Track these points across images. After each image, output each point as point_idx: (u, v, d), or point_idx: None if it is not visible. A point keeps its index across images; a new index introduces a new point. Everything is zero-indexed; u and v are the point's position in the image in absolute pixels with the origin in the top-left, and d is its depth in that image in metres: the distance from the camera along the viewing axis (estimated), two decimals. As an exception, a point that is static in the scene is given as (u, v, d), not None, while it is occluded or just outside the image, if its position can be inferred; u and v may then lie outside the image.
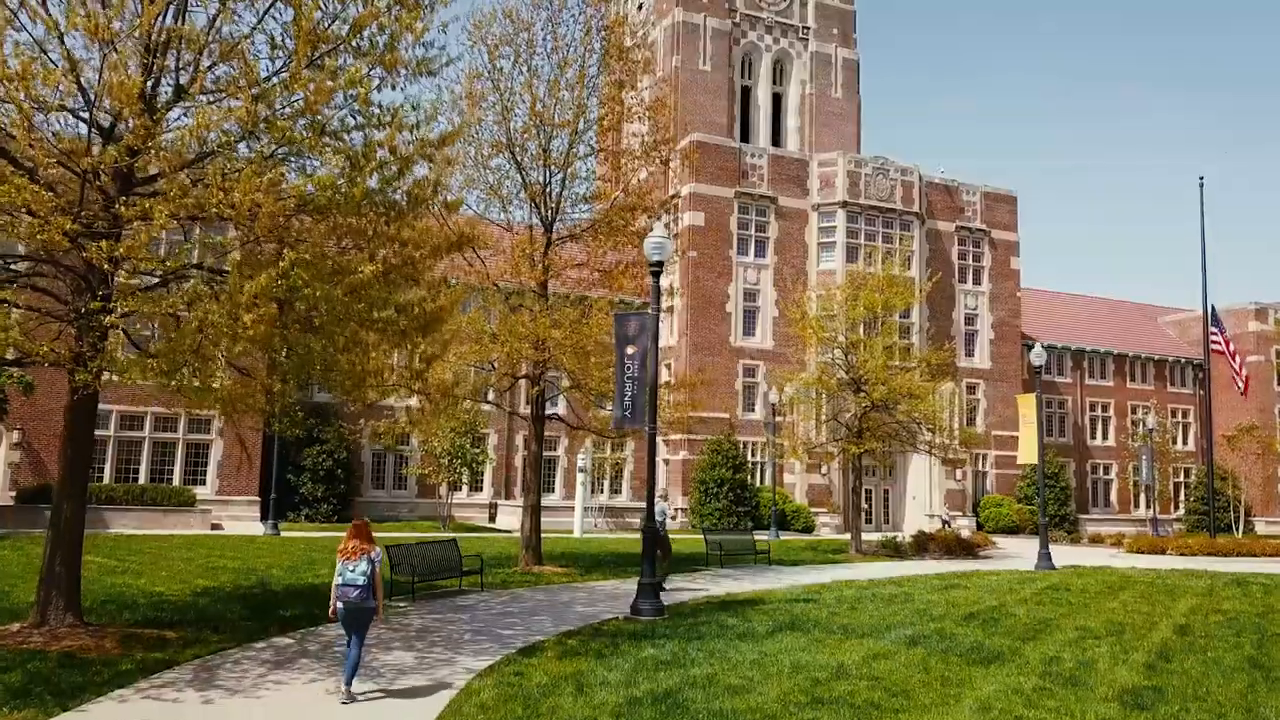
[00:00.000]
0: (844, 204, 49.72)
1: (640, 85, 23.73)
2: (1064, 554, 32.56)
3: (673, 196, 47.51)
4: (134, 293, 10.95)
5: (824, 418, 32.72)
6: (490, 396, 26.47)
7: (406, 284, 13.45)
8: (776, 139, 60.57)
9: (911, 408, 30.15)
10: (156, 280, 11.88)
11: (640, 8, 61.66)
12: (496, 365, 21.84)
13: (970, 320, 54.35)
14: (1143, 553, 33.03)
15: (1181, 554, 32.17)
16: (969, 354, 53.88)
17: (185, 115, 12.32)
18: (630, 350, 16.47)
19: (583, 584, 20.19)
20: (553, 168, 22.69)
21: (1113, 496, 60.70)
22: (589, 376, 21.20)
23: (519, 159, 22.77)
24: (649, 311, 16.64)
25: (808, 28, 60.56)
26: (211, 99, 12.10)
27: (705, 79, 57.30)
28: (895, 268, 46.17)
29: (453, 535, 21.38)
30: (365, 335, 12.94)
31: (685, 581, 21.15)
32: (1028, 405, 28.86)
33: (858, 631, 14.45)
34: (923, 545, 32.02)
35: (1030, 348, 57.06)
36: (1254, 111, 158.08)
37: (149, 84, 11.32)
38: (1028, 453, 28.90)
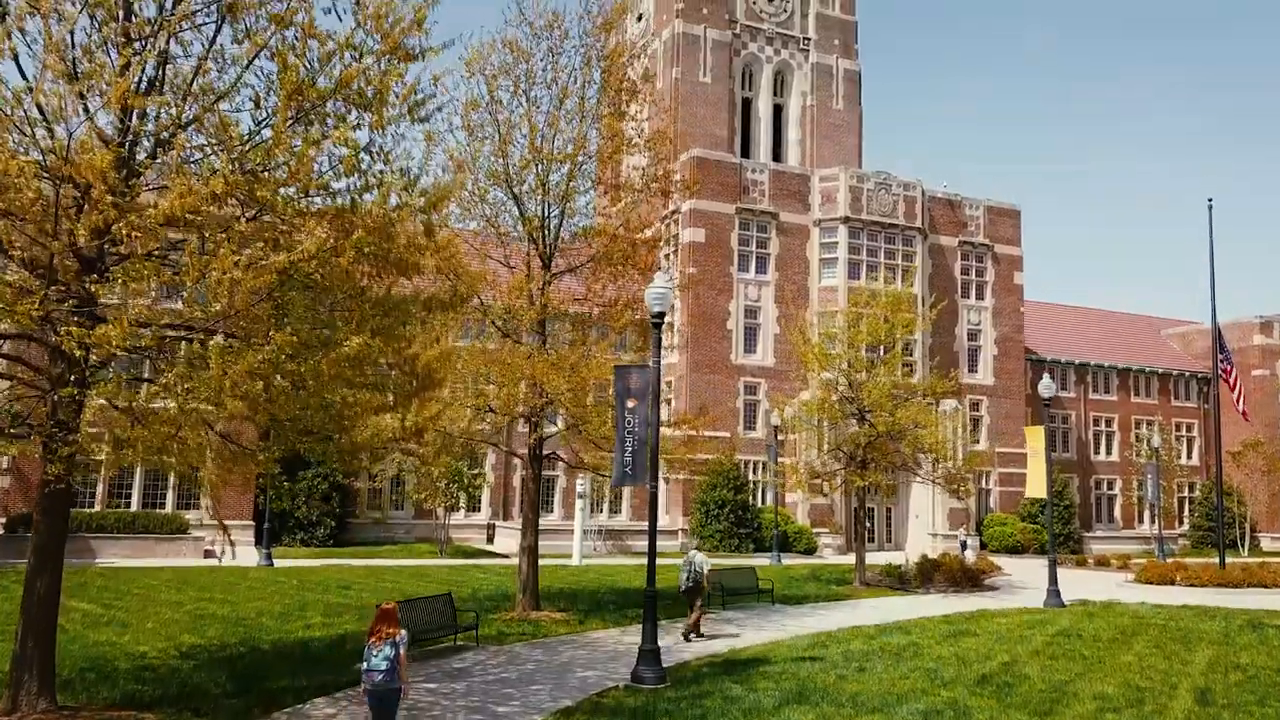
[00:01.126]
0: (846, 219, 49.19)
1: (641, 116, 23.16)
2: (1070, 581, 32.03)
3: (673, 212, 46.99)
4: (108, 365, 10.36)
5: (827, 446, 32.11)
6: (486, 428, 25.91)
7: (399, 344, 12.90)
8: (777, 151, 60.04)
9: (917, 439, 29.56)
10: (139, 348, 11.28)
11: (640, 18, 61.11)
12: (495, 409, 21.24)
13: (973, 336, 53.80)
14: (1151, 583, 32.46)
15: (1190, 584, 31.60)
16: (972, 370, 53.34)
17: (163, 174, 11.76)
18: (631, 404, 15.89)
19: (582, 635, 19.60)
20: (551, 202, 22.14)
21: (1116, 512, 60.19)
22: (588, 423, 20.59)
23: (516, 192, 22.21)
24: (650, 364, 16.07)
25: (809, 39, 60.02)
26: (191, 152, 11.56)
27: (705, 91, 56.75)
28: (898, 283, 45.76)
29: (448, 590, 20.81)
30: (358, 397, 12.36)
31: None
32: (1036, 438, 28.26)
33: (868, 704, 13.87)
34: (928, 575, 31.44)
35: (1034, 362, 56.69)
36: (1257, 115, 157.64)
37: (125, 146, 10.75)
38: (1036, 486, 28.30)
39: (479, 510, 45.67)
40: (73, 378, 9.73)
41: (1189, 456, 63.02)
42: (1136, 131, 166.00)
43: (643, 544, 42.21)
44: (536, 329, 21.85)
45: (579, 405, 20.83)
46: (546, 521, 40.96)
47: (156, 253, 10.69)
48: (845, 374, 30.66)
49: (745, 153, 58.10)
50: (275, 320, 10.68)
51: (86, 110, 9.70)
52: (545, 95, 22.03)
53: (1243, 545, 55.73)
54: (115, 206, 9.04)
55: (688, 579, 19.73)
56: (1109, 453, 60.53)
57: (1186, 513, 61.12)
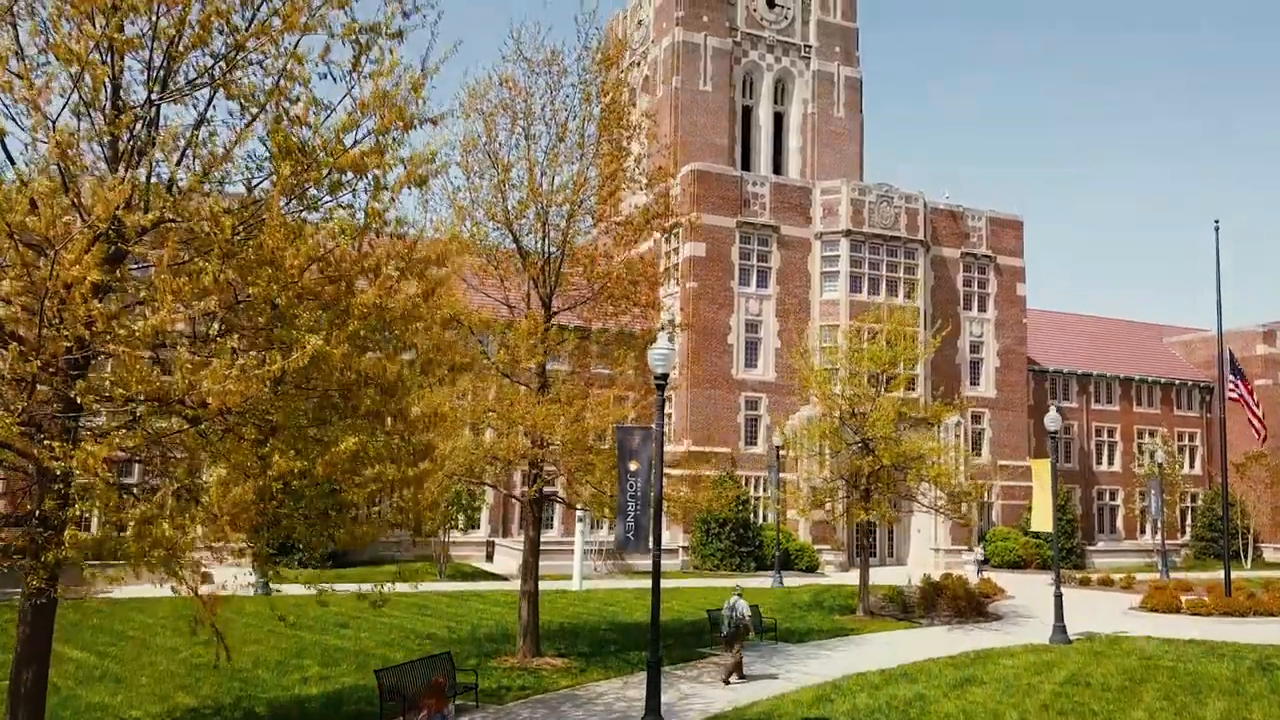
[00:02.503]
0: (848, 233, 48.83)
1: (642, 153, 22.83)
2: (1075, 604, 31.73)
3: (673, 225, 46.58)
4: (96, 474, 10.05)
5: (829, 473, 31.80)
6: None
7: (395, 415, 12.56)
8: (778, 159, 59.66)
9: (921, 467, 29.29)
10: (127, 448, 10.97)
11: (640, 24, 60.69)
12: (498, 457, 20.92)
13: (975, 348, 53.47)
14: (1157, 610, 32.19)
15: (1195, 613, 31.34)
16: (974, 383, 53.02)
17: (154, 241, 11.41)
18: (633, 466, 15.59)
19: (583, 688, 19.30)
20: (550, 243, 21.80)
21: (1119, 523, 59.99)
22: (590, 474, 20.27)
23: (515, 231, 21.86)
24: (653, 427, 15.76)
25: (809, 46, 59.58)
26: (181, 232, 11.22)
27: (706, 99, 56.35)
28: (900, 297, 45.42)
29: (447, 629, 20.50)
30: (358, 478, 12.00)
31: (689, 685, 20.26)
32: (1042, 469, 27.94)
33: (876, 783, 13.59)
34: (931, 602, 31.21)
35: (1036, 373, 56.39)
36: (1259, 119, 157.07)
37: (111, 234, 10.40)
38: (1041, 520, 27.99)
39: (478, 528, 45.36)
40: (58, 487, 9.41)
41: (1191, 466, 62.76)
42: (1137, 135, 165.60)
43: (643, 563, 41.94)
44: (537, 372, 21.55)
45: (582, 450, 20.51)
46: (546, 538, 40.63)
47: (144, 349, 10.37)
48: (848, 399, 30.36)
49: (746, 161, 57.74)
50: (270, 417, 10.35)
51: (80, 210, 9.34)
52: (544, 132, 21.70)
53: (1245, 557, 55.58)
54: (102, 315, 8.71)
55: (729, 625, 20.30)
56: (1111, 463, 60.28)
57: (1189, 522, 60.91)
